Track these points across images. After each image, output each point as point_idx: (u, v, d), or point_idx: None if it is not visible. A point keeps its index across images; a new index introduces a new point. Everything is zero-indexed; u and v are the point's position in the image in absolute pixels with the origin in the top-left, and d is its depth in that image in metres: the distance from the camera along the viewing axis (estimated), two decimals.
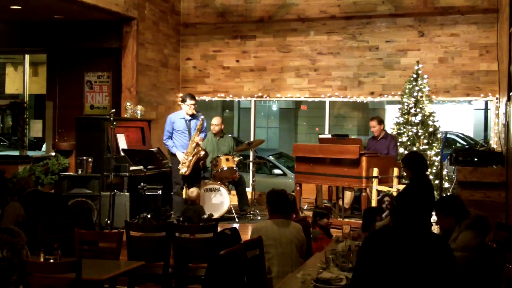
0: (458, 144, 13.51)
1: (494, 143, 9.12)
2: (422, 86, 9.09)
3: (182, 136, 8.16)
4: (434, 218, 8.60)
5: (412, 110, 9.05)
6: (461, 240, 4.13)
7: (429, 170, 8.84)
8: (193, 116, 8.21)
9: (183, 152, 8.09)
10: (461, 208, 4.36)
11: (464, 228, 4.21)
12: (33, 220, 5.33)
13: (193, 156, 7.99)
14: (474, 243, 4.10)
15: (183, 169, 7.97)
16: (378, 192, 7.75)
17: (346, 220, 8.10)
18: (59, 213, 5.71)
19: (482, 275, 4.06)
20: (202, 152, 8.18)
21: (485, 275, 4.07)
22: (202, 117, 8.19)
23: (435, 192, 8.76)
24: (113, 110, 7.97)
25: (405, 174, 6.94)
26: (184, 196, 8.35)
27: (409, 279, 3.01)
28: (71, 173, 8.57)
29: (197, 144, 8.02)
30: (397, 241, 3.12)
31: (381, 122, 8.88)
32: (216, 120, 9.32)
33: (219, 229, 5.60)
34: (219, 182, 8.64)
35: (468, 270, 3.99)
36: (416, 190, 5.78)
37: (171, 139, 8.23)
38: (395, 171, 7.94)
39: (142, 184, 7.89)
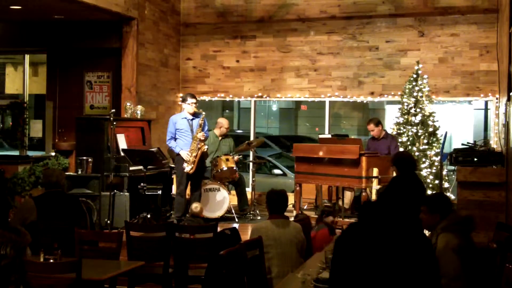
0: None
1: (494, 143, 9.12)
2: (422, 86, 9.09)
3: (185, 135, 8.15)
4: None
5: (412, 110, 9.05)
6: (439, 245, 4.05)
7: (429, 170, 8.85)
8: (195, 115, 8.21)
9: (187, 151, 8.08)
10: (448, 208, 4.31)
11: (440, 232, 4.14)
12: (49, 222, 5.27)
13: (196, 152, 7.99)
14: (452, 244, 4.01)
15: (188, 167, 7.96)
16: (378, 192, 7.75)
17: (346, 220, 8.09)
18: (77, 218, 5.49)
19: (477, 274, 4.04)
20: (206, 147, 8.18)
21: (480, 274, 4.05)
22: (204, 113, 8.21)
23: (435, 192, 8.77)
24: (113, 110, 7.97)
25: None
26: (187, 197, 8.34)
27: (386, 274, 2.94)
28: (71, 173, 8.56)
29: (200, 141, 8.02)
30: (374, 235, 3.03)
31: (378, 123, 8.88)
32: (227, 123, 9.35)
33: (219, 229, 5.60)
34: (219, 182, 8.64)
35: (454, 272, 3.93)
36: (398, 188, 5.89)
37: (175, 140, 8.20)
38: (395, 171, 7.93)
39: (142, 184, 7.89)
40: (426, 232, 4.62)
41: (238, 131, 18.59)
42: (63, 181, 5.66)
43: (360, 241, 3.01)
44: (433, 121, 9.04)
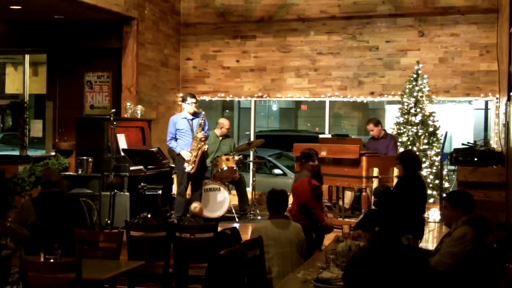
0: None
1: (494, 143, 9.12)
2: (422, 86, 9.10)
3: (185, 135, 8.15)
4: (433, 212, 8.61)
5: (412, 110, 9.06)
6: (456, 234, 4.14)
7: (430, 170, 8.85)
8: (195, 115, 8.21)
9: (188, 151, 8.07)
10: (470, 204, 4.38)
11: (461, 224, 4.22)
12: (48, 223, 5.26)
13: (197, 152, 7.98)
14: (470, 236, 4.09)
15: (189, 167, 7.96)
16: (376, 191, 7.74)
17: (346, 220, 8.09)
18: (77, 218, 5.48)
19: (482, 274, 4.06)
20: (206, 146, 8.18)
21: (485, 274, 4.07)
22: (203, 113, 8.21)
23: (435, 192, 8.79)
24: (113, 110, 7.97)
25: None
26: (187, 196, 8.33)
27: None
28: (71, 173, 8.57)
29: (200, 140, 8.02)
30: (378, 262, 3.17)
31: (377, 123, 8.88)
32: (227, 124, 9.35)
33: (219, 229, 5.60)
34: (219, 182, 8.64)
35: (466, 264, 4.00)
36: (404, 192, 5.90)
37: (175, 140, 8.20)
38: (395, 171, 7.93)
39: (142, 184, 7.89)
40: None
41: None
42: (62, 181, 5.66)
43: (369, 265, 3.15)
44: (433, 121, 9.04)
